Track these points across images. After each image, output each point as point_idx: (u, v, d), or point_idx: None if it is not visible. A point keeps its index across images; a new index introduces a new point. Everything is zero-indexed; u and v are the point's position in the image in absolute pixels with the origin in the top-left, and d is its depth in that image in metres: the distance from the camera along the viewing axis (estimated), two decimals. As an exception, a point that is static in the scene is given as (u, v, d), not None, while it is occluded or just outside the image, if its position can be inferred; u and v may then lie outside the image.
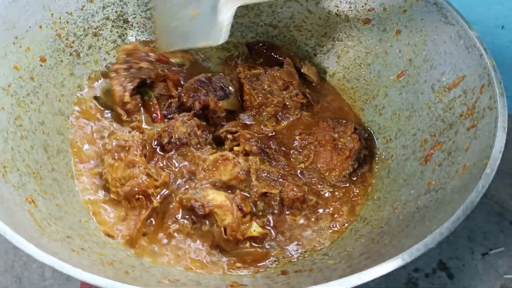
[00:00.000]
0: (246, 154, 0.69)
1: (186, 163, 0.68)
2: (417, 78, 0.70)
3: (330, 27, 0.81)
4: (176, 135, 0.69)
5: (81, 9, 0.74)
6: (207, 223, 0.61)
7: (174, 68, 0.78)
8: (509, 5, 0.79)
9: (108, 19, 0.78)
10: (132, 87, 0.73)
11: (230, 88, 0.75)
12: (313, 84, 0.82)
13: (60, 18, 0.71)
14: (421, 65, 0.70)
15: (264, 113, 0.76)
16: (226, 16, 0.64)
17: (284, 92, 0.77)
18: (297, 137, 0.74)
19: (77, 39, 0.74)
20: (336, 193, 0.68)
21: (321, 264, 0.56)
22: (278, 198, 0.64)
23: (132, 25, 0.81)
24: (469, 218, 0.84)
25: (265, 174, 0.65)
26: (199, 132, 0.70)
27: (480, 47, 0.60)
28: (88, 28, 0.76)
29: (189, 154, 0.69)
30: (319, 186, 0.68)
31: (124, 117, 0.72)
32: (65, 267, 0.40)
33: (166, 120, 0.73)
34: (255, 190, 0.64)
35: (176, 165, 0.68)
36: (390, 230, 0.56)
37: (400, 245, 0.49)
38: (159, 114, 0.74)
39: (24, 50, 0.66)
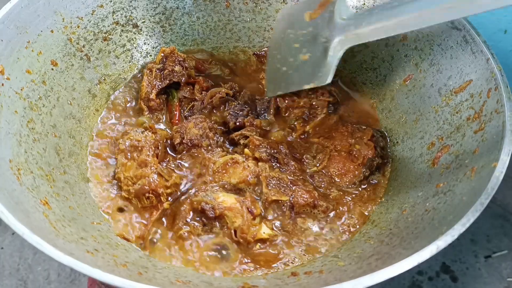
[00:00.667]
0: (256, 159, 0.69)
1: (196, 164, 0.69)
2: (423, 82, 0.71)
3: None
4: (188, 136, 0.70)
5: (92, 14, 0.75)
6: (218, 225, 0.61)
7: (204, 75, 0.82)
8: (512, 10, 0.80)
9: (117, 23, 0.79)
10: (160, 87, 0.76)
11: (268, 116, 0.78)
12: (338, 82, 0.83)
13: (71, 23, 0.72)
14: (427, 69, 0.71)
15: (292, 115, 0.77)
16: (335, 57, 0.66)
17: (310, 93, 0.78)
18: (316, 141, 0.74)
19: (88, 44, 0.75)
20: (346, 197, 0.68)
21: (331, 266, 0.57)
22: (288, 204, 0.65)
23: (141, 29, 0.82)
24: (473, 221, 0.85)
25: (275, 181, 0.66)
26: (210, 134, 0.71)
27: (487, 52, 0.61)
28: (98, 32, 0.77)
29: (199, 155, 0.69)
30: (328, 191, 0.68)
31: (146, 113, 0.75)
32: (85, 267, 0.40)
33: (183, 121, 0.75)
34: (265, 197, 0.65)
35: (187, 166, 0.69)
36: (399, 232, 0.57)
37: (410, 246, 0.49)
38: (177, 115, 0.76)
39: (36, 54, 0.67)
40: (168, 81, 0.77)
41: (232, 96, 0.79)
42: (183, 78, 0.78)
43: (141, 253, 0.59)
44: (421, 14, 0.57)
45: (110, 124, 0.75)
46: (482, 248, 0.84)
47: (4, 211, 0.44)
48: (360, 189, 0.69)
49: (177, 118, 0.76)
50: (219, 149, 0.71)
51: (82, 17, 0.74)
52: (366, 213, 0.66)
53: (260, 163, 0.68)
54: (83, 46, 0.75)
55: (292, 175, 0.68)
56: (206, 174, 0.67)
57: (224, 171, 0.67)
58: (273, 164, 0.69)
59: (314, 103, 0.77)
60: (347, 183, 0.69)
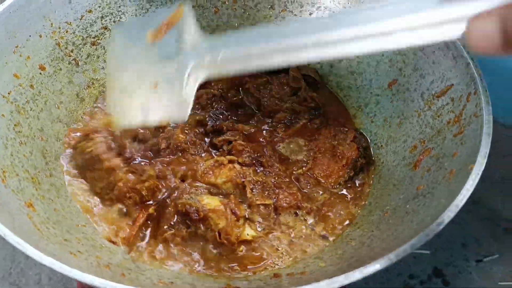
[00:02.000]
0: (240, 164, 0.70)
1: (181, 167, 0.69)
2: (407, 86, 0.72)
3: (323, 37, 0.84)
4: (175, 142, 0.70)
5: (80, 19, 0.76)
6: (202, 227, 0.62)
7: None
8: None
9: (106, 28, 0.80)
10: None
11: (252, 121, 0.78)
12: (318, 86, 0.83)
13: (59, 28, 0.73)
14: (411, 74, 0.72)
15: (275, 120, 0.78)
16: (190, 93, 0.54)
17: (293, 98, 0.79)
18: (300, 143, 0.75)
19: (76, 48, 0.76)
20: (332, 198, 0.69)
21: (313, 267, 0.58)
22: (272, 207, 0.65)
23: (129, 34, 0.83)
24: (463, 225, 0.85)
25: (259, 186, 0.67)
26: (197, 141, 0.72)
27: (467, 56, 0.62)
28: (86, 37, 0.77)
29: (184, 159, 0.70)
30: (314, 193, 0.69)
31: None
32: (64, 268, 0.41)
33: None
34: (249, 202, 0.65)
35: (171, 169, 0.69)
36: (380, 234, 0.58)
37: (389, 247, 0.50)
38: None
39: (24, 58, 0.67)
40: None
41: (220, 97, 0.80)
42: None
43: (127, 255, 0.60)
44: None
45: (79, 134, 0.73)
46: (473, 252, 0.85)
47: (-14, 212, 0.45)
48: (345, 190, 0.70)
49: None
50: (205, 153, 0.72)
51: (70, 22, 0.75)
52: (351, 215, 0.67)
53: (244, 168, 0.69)
54: (72, 51, 0.75)
55: (276, 178, 0.68)
56: (191, 177, 0.68)
57: (211, 173, 0.68)
58: (257, 168, 0.69)
59: (297, 109, 0.78)
60: (332, 183, 0.70)
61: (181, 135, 0.71)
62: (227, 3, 0.85)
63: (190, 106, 0.55)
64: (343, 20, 0.42)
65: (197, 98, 0.78)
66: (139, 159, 0.69)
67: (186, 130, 0.73)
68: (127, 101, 0.59)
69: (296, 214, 0.66)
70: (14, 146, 0.61)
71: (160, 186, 0.67)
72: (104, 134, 0.69)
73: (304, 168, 0.71)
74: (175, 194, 0.66)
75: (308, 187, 0.69)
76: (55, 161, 0.67)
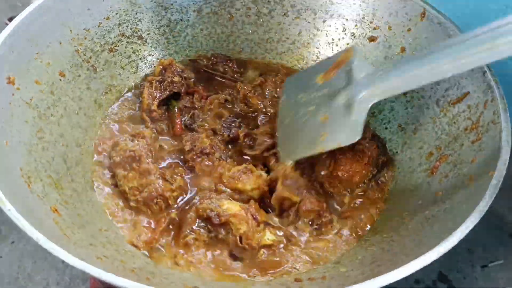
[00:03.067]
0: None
1: (205, 172, 0.70)
2: (422, 93, 0.73)
3: (337, 44, 0.85)
4: (200, 145, 0.72)
5: (98, 26, 0.77)
6: (223, 232, 0.63)
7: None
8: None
9: (123, 35, 0.81)
10: (161, 97, 0.78)
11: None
12: None
13: (78, 35, 0.74)
14: (425, 81, 0.73)
15: None
16: (362, 113, 0.61)
17: None
18: None
19: (94, 55, 0.77)
20: (356, 201, 0.70)
21: (333, 272, 0.58)
22: (295, 208, 0.66)
23: (146, 41, 0.84)
24: (469, 230, 0.86)
25: (291, 182, 0.67)
26: (222, 147, 0.74)
27: (484, 65, 0.62)
28: (104, 44, 0.78)
29: (208, 163, 0.71)
30: (340, 198, 0.70)
31: (148, 124, 0.77)
32: (100, 272, 0.42)
33: (185, 130, 0.78)
34: (276, 193, 0.66)
35: (195, 173, 0.71)
36: (400, 239, 0.58)
37: (412, 253, 0.51)
38: (179, 124, 0.77)
39: (44, 65, 0.68)
40: (168, 92, 0.79)
41: (231, 102, 0.81)
42: (183, 88, 0.80)
43: (148, 259, 0.60)
44: (441, 65, 0.55)
45: (109, 136, 0.76)
46: (479, 257, 0.85)
47: (20, 218, 0.45)
48: (369, 190, 0.71)
49: (179, 127, 0.77)
50: (230, 159, 0.73)
51: (89, 29, 0.76)
52: (371, 219, 0.68)
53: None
54: (90, 57, 0.76)
55: (309, 183, 0.69)
56: (217, 182, 0.69)
57: (238, 178, 0.69)
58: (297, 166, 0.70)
59: None
60: (357, 184, 0.71)
61: (206, 139, 0.73)
62: (241, 10, 0.86)
63: (361, 126, 0.61)
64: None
65: (210, 104, 0.80)
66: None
67: (212, 136, 0.75)
68: (297, 137, 0.69)
69: (316, 221, 0.67)
70: (37, 152, 0.61)
71: (185, 195, 0.68)
72: (149, 141, 0.71)
73: (327, 170, 0.71)
74: (196, 199, 0.66)
75: (335, 190, 0.70)
76: (76, 167, 0.67)
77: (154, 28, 0.84)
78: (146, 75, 0.83)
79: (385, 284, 0.43)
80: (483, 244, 0.87)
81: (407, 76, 0.58)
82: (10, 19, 1.45)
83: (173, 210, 0.67)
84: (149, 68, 0.85)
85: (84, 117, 0.74)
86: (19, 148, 0.58)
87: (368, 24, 0.80)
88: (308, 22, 0.85)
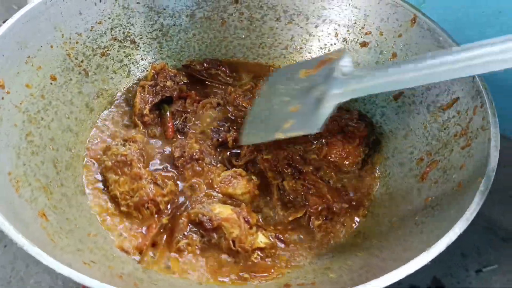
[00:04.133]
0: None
1: (195, 177, 0.70)
2: (413, 99, 0.73)
3: (329, 49, 0.85)
4: (190, 151, 0.72)
5: (90, 30, 0.77)
6: (215, 236, 0.63)
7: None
8: (499, 28, 0.82)
9: (115, 39, 0.81)
10: (153, 102, 0.78)
11: None
12: None
13: (70, 39, 0.74)
14: (416, 87, 0.73)
15: None
16: (328, 108, 0.63)
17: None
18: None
19: (86, 59, 0.77)
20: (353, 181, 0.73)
21: (322, 278, 0.58)
22: (306, 217, 0.67)
23: (138, 45, 0.84)
24: (463, 235, 0.86)
25: (288, 197, 0.69)
26: (212, 151, 0.74)
27: (473, 70, 0.63)
28: (96, 48, 0.78)
29: (199, 169, 0.71)
30: (337, 182, 0.72)
31: (141, 128, 0.77)
32: (84, 278, 0.42)
33: (177, 133, 0.78)
34: (281, 219, 0.68)
35: (186, 178, 0.71)
36: (388, 245, 0.58)
37: (400, 258, 0.51)
38: (171, 128, 0.78)
39: (35, 68, 0.68)
40: (160, 97, 0.79)
41: (223, 106, 0.82)
42: (175, 93, 0.80)
43: (137, 265, 0.60)
44: (422, 73, 0.56)
45: (101, 141, 0.76)
46: (473, 262, 0.85)
47: (5, 223, 0.45)
48: (361, 171, 0.74)
49: (170, 131, 0.77)
50: (219, 164, 0.73)
51: (81, 33, 0.75)
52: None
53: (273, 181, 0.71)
54: (82, 61, 0.76)
55: (305, 181, 0.70)
56: (208, 187, 0.69)
57: (228, 183, 0.69)
58: (285, 175, 0.71)
59: None
60: (351, 165, 0.73)
61: (195, 145, 0.73)
62: (234, 15, 0.87)
63: (323, 119, 0.63)
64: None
65: (202, 107, 0.81)
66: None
67: (201, 141, 0.75)
68: (264, 121, 0.70)
69: (324, 217, 0.68)
70: (26, 156, 0.61)
71: (176, 200, 0.68)
72: (140, 146, 0.71)
73: (320, 155, 0.73)
74: (187, 204, 0.66)
75: (332, 175, 0.72)
76: (66, 171, 0.67)
77: (147, 32, 0.84)
78: (139, 80, 0.83)
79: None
80: (477, 249, 0.87)
81: (379, 81, 0.59)
82: (6, 22, 1.45)
83: (164, 216, 0.66)
84: (142, 72, 0.85)
85: (75, 121, 0.73)
86: (8, 152, 0.58)
87: (360, 30, 0.80)
88: (301, 27, 0.85)
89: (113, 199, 0.67)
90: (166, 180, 0.69)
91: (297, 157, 0.73)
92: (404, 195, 0.66)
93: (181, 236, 0.63)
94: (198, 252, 0.63)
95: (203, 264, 0.62)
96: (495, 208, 0.91)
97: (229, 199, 0.68)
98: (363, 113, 0.78)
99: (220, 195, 0.68)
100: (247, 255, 0.62)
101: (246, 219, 0.63)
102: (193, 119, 0.80)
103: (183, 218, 0.64)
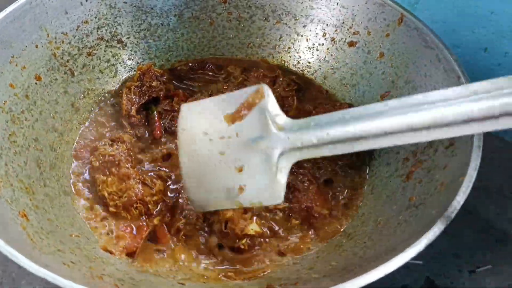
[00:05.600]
0: None
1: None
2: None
3: (317, 49, 0.85)
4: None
5: (76, 30, 0.76)
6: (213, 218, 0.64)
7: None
8: (492, 29, 0.82)
9: (102, 39, 0.80)
10: (140, 102, 0.78)
11: None
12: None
13: (55, 38, 0.74)
14: (403, 86, 0.73)
15: None
16: (283, 176, 0.55)
17: (274, 87, 0.81)
18: None
19: (72, 58, 0.77)
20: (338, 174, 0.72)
21: (306, 278, 0.58)
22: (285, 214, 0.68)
23: (126, 45, 0.83)
24: (456, 235, 0.86)
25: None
26: None
27: (458, 70, 0.62)
28: (82, 47, 0.78)
29: None
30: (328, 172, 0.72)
31: (128, 129, 0.77)
32: (57, 278, 0.41)
33: (164, 133, 0.78)
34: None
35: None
36: (372, 244, 0.58)
37: (382, 258, 0.50)
38: (158, 127, 0.78)
39: (20, 68, 0.68)
40: (147, 97, 0.79)
41: None
42: (162, 93, 0.80)
43: (119, 266, 0.60)
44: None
45: (88, 141, 0.76)
46: (466, 262, 0.84)
47: (-21, 223, 0.45)
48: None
49: (157, 130, 0.77)
50: None
51: (66, 33, 0.75)
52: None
53: None
54: (67, 61, 0.76)
55: (302, 177, 0.70)
56: None
57: None
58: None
59: (283, 94, 0.80)
60: (346, 156, 0.71)
61: None
62: (222, 14, 0.86)
63: (283, 188, 0.55)
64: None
65: None
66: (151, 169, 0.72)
67: None
68: (208, 185, 0.59)
69: (291, 218, 0.68)
70: (8, 156, 0.61)
71: (166, 200, 0.68)
72: (128, 146, 0.71)
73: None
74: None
75: (321, 165, 0.72)
76: (50, 171, 0.67)
77: (134, 32, 0.84)
78: (126, 80, 0.83)
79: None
80: (470, 249, 0.86)
81: (327, 138, 0.51)
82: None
83: (153, 216, 0.67)
84: (129, 72, 0.85)
85: (60, 121, 0.73)
86: (-11, 152, 0.58)
87: (348, 29, 0.80)
88: (289, 27, 0.85)
89: (101, 199, 0.67)
90: (155, 180, 0.69)
91: None
92: (389, 194, 0.66)
93: (181, 217, 0.64)
94: (196, 231, 0.64)
95: (186, 261, 0.62)
96: (489, 209, 0.90)
97: None
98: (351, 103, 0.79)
99: None
100: (237, 239, 0.62)
101: None
102: None
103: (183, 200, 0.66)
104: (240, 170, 0.57)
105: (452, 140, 0.59)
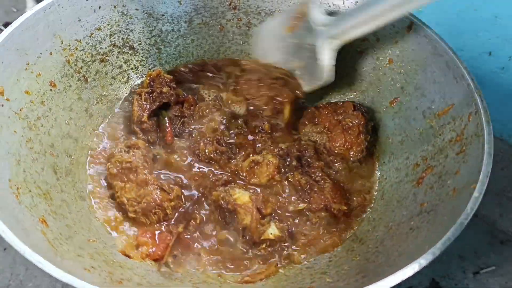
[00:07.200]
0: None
1: (219, 172, 0.74)
2: (409, 104, 0.74)
3: (326, 55, 0.86)
4: (204, 155, 0.75)
5: (90, 37, 0.77)
6: (232, 219, 0.66)
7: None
8: (496, 33, 0.83)
9: (114, 45, 0.81)
10: (151, 109, 0.78)
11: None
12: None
13: (69, 45, 0.75)
14: (412, 92, 0.74)
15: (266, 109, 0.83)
16: (327, 59, 0.73)
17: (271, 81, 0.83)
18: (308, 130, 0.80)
19: (85, 65, 0.78)
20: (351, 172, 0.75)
21: (320, 282, 0.59)
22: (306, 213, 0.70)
23: (137, 51, 0.85)
24: (461, 237, 0.86)
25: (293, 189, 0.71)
26: (224, 149, 0.76)
27: (468, 77, 0.63)
28: (95, 54, 0.79)
29: (218, 166, 0.75)
30: (340, 173, 0.75)
31: (140, 135, 0.77)
32: (85, 285, 0.42)
33: (176, 138, 0.79)
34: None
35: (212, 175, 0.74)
36: (384, 250, 0.59)
37: (395, 264, 0.52)
38: (169, 133, 0.79)
39: (35, 75, 0.69)
40: (158, 103, 0.79)
41: (219, 107, 0.83)
42: (172, 98, 0.81)
43: (136, 270, 0.61)
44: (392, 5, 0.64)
45: (101, 148, 0.76)
46: (471, 264, 0.85)
47: (5, 230, 0.46)
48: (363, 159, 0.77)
49: (170, 136, 0.78)
50: (234, 155, 0.76)
51: (80, 40, 0.76)
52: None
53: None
54: (81, 68, 0.77)
55: (313, 175, 0.73)
56: (234, 179, 0.73)
57: (252, 173, 0.72)
58: (297, 165, 0.74)
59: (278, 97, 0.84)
60: (357, 153, 0.76)
61: (210, 147, 0.76)
62: (232, 21, 0.87)
63: (331, 70, 0.73)
64: None
65: (198, 111, 0.82)
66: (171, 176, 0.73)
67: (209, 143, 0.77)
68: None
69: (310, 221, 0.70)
70: (26, 163, 0.62)
71: (183, 205, 0.69)
72: (144, 152, 0.72)
73: (325, 149, 0.77)
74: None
75: (337, 165, 0.75)
76: (66, 177, 0.68)
77: (145, 38, 0.85)
78: (137, 86, 0.84)
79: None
80: (474, 250, 0.87)
81: (358, 18, 0.68)
82: (6, 25, 1.45)
83: (173, 222, 0.68)
84: (140, 78, 0.86)
85: (74, 127, 0.74)
86: (8, 159, 0.59)
87: (357, 36, 0.81)
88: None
89: (120, 205, 0.68)
90: (172, 186, 0.70)
91: (312, 152, 0.76)
92: (399, 200, 0.67)
93: (202, 212, 0.67)
94: (215, 223, 0.66)
95: (209, 264, 0.64)
96: (493, 211, 0.91)
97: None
98: (357, 103, 0.80)
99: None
100: (255, 245, 0.64)
101: (259, 209, 0.65)
102: (191, 121, 0.81)
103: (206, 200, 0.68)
104: (300, 66, 0.77)
105: (463, 146, 0.60)
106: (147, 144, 0.76)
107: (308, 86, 0.78)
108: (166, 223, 0.67)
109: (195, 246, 0.65)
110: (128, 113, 0.81)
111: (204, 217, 0.67)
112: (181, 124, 0.80)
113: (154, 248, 0.63)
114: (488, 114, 0.60)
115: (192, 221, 0.67)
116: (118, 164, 0.69)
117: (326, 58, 0.72)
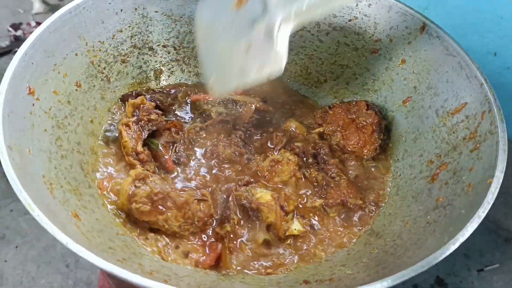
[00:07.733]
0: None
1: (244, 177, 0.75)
2: (422, 103, 0.76)
3: (339, 56, 0.88)
4: (224, 156, 0.76)
5: (112, 38, 0.80)
6: (256, 218, 0.67)
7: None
8: (500, 34, 0.85)
9: (135, 47, 0.84)
10: (144, 137, 0.75)
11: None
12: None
13: (93, 47, 0.77)
14: (425, 92, 0.76)
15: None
16: (283, 43, 0.62)
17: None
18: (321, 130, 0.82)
19: (108, 66, 0.80)
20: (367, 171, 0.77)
21: (340, 274, 0.61)
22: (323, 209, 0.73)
23: (156, 52, 0.87)
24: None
25: (307, 187, 0.73)
26: (243, 150, 0.77)
27: (481, 77, 0.66)
28: (117, 55, 0.81)
29: (238, 165, 0.76)
30: (356, 170, 0.77)
31: (139, 167, 0.71)
32: (127, 274, 0.45)
33: (175, 165, 0.75)
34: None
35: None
36: (402, 243, 0.61)
37: (415, 256, 0.54)
38: (169, 160, 0.75)
39: (62, 76, 0.71)
40: (147, 131, 0.75)
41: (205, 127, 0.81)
42: (161, 125, 0.77)
43: (163, 262, 0.63)
44: None
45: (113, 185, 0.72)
46: (475, 262, 0.87)
47: (48, 223, 0.48)
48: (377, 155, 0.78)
49: (170, 163, 0.75)
50: (255, 156, 0.78)
51: (103, 41, 0.79)
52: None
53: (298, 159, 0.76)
54: (104, 68, 0.79)
55: (329, 172, 0.75)
56: (257, 181, 0.74)
57: (273, 172, 0.74)
58: (313, 162, 0.76)
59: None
60: (372, 151, 0.78)
61: (228, 150, 0.77)
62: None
63: (285, 57, 0.62)
64: None
65: (188, 133, 0.81)
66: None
67: (227, 146, 0.78)
68: (223, 68, 0.68)
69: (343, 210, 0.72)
70: (56, 160, 0.64)
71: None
72: (156, 177, 0.68)
73: (338, 147, 0.79)
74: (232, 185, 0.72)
75: (352, 164, 0.78)
76: (92, 173, 0.70)
77: (164, 39, 0.87)
78: (115, 122, 0.80)
79: (391, 285, 0.46)
80: (479, 248, 0.89)
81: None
82: (13, 26, 1.47)
83: (215, 225, 0.68)
84: (157, 79, 0.88)
85: (98, 126, 0.77)
86: (40, 156, 0.61)
87: (370, 37, 0.83)
88: (312, 34, 0.88)
89: (172, 235, 0.66)
90: (199, 191, 0.69)
91: (327, 149, 0.77)
92: (414, 195, 0.69)
93: (228, 212, 0.67)
94: (240, 226, 0.67)
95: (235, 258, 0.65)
96: (497, 209, 0.93)
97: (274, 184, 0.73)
98: (370, 102, 0.82)
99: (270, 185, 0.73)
100: (281, 241, 0.66)
101: (282, 206, 0.67)
102: (183, 145, 0.78)
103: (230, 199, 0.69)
104: (249, 49, 0.64)
105: (477, 144, 0.63)
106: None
107: (257, 76, 0.65)
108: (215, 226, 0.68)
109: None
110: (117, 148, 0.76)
111: (240, 218, 0.68)
112: (175, 150, 0.77)
113: (203, 257, 0.65)
114: (501, 112, 0.62)
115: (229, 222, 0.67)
116: (147, 200, 0.64)
117: (285, 44, 0.62)
